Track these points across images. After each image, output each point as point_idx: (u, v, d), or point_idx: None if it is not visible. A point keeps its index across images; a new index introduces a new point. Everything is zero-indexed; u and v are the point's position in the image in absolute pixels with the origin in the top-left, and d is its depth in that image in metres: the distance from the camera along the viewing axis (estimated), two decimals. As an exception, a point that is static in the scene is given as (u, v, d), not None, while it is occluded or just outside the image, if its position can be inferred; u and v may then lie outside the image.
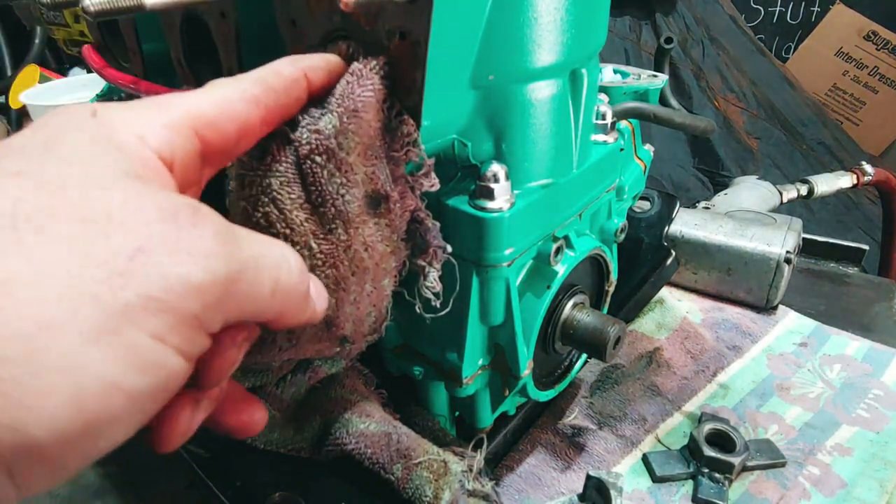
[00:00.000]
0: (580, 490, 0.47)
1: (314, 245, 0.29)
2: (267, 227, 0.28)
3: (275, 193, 0.28)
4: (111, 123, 0.22)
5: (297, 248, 0.29)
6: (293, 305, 0.25)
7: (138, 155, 0.21)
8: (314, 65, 0.28)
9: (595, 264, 0.49)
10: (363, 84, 0.28)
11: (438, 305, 0.35)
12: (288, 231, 0.28)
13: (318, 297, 0.27)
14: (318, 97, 0.28)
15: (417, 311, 0.35)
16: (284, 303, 0.24)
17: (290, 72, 0.27)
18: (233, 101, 0.25)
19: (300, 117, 0.28)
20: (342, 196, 0.28)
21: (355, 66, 0.29)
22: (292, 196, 0.28)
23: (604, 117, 0.45)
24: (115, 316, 0.18)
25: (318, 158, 0.28)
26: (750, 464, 0.52)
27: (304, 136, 0.28)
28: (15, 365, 0.16)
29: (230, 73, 0.32)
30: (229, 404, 0.27)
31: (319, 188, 0.28)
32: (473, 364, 0.43)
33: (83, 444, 0.18)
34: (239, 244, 0.21)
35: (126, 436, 0.19)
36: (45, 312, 0.17)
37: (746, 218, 0.77)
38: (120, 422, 0.19)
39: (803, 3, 2.41)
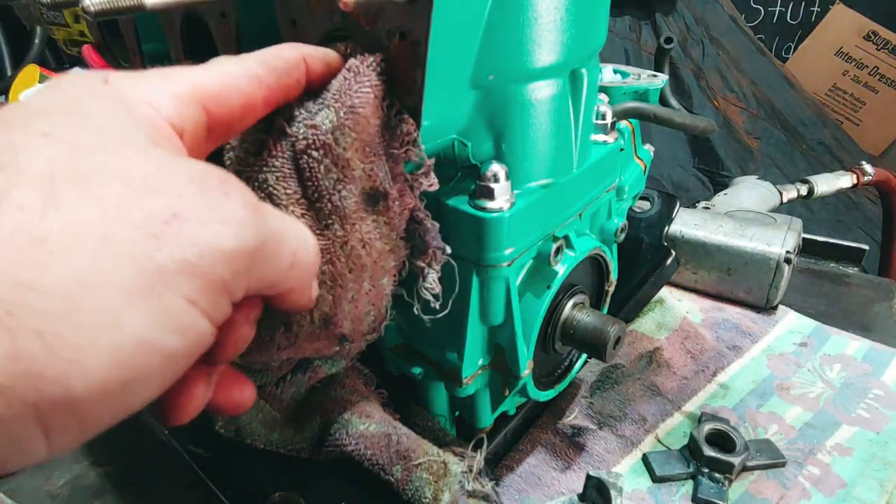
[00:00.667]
0: (580, 490, 0.47)
1: None
2: None
3: (271, 188, 0.28)
4: (123, 92, 0.22)
5: None
6: (304, 283, 0.25)
7: (154, 122, 0.22)
8: (313, 53, 0.28)
9: (595, 264, 0.49)
10: (360, 80, 0.28)
11: (437, 307, 0.35)
12: None
13: (314, 285, 0.28)
14: (314, 90, 0.29)
15: (416, 312, 0.35)
16: (298, 278, 0.24)
17: (291, 55, 0.27)
18: (237, 76, 0.25)
19: (297, 112, 0.28)
20: (338, 192, 0.28)
21: (352, 62, 0.29)
22: (288, 191, 0.28)
23: (604, 117, 0.45)
24: (152, 277, 0.18)
25: (314, 154, 0.28)
26: (750, 464, 0.52)
27: (301, 131, 0.28)
28: (57, 319, 0.16)
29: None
30: (220, 382, 0.27)
31: (315, 183, 0.28)
32: (473, 364, 0.43)
33: (117, 401, 0.18)
34: (265, 215, 0.22)
35: (153, 396, 0.20)
36: (85, 270, 0.17)
37: (746, 218, 0.77)
38: (153, 380, 0.19)
39: (803, 3, 2.41)
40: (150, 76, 0.23)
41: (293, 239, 0.24)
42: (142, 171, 0.19)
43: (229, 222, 0.20)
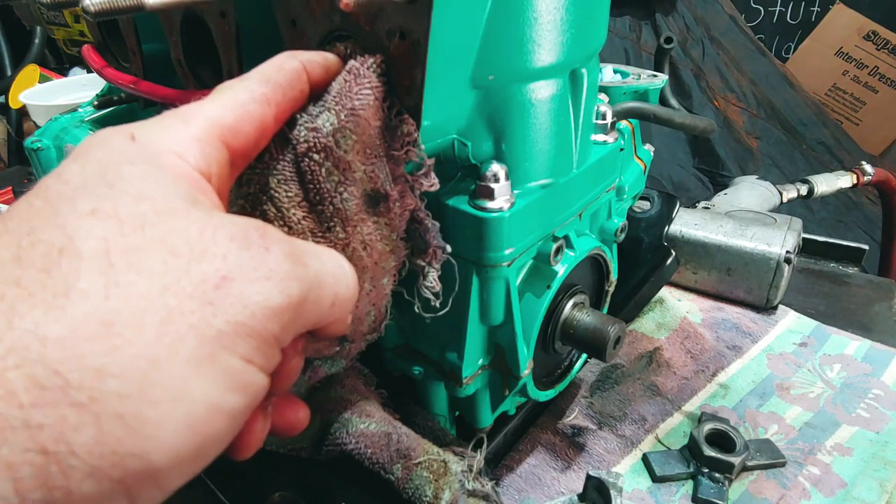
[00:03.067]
0: (580, 490, 0.47)
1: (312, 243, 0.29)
2: None
3: (272, 191, 0.28)
4: (150, 147, 0.22)
5: None
6: (344, 315, 0.26)
7: (185, 175, 0.22)
8: (311, 59, 0.28)
9: (595, 264, 0.49)
10: (360, 82, 0.28)
11: (438, 305, 0.35)
12: (286, 229, 0.28)
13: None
14: (315, 94, 0.29)
15: (417, 310, 0.35)
16: (340, 313, 0.25)
17: (291, 65, 0.27)
18: (246, 103, 0.25)
19: (297, 115, 0.28)
20: (340, 194, 0.28)
21: (352, 63, 0.29)
22: (289, 194, 0.28)
23: (604, 117, 0.45)
24: (211, 343, 0.19)
25: (315, 156, 0.28)
26: (750, 464, 0.52)
27: (302, 134, 0.28)
28: (133, 400, 0.17)
29: (230, 73, 0.32)
30: (275, 408, 0.28)
31: (317, 186, 0.28)
32: (473, 364, 0.43)
33: (193, 464, 0.19)
34: (305, 262, 0.23)
35: (221, 450, 0.21)
36: (152, 348, 0.18)
37: (746, 218, 0.77)
38: (222, 439, 0.20)
39: (803, 3, 2.41)
40: (169, 122, 0.24)
41: (333, 278, 0.24)
42: (186, 238, 0.20)
43: (274, 277, 0.21)
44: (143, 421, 0.17)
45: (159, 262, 0.19)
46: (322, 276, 0.23)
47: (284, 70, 0.27)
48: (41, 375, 0.16)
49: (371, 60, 0.29)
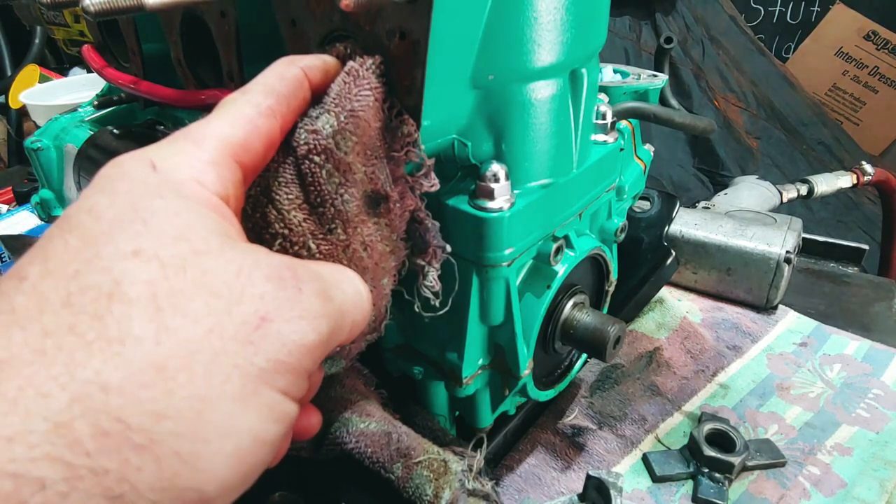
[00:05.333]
0: (580, 490, 0.47)
1: (312, 245, 0.29)
2: (265, 227, 0.28)
3: (273, 194, 0.28)
4: (173, 175, 0.23)
5: (296, 248, 0.29)
6: (359, 332, 0.27)
7: (209, 203, 0.23)
8: (311, 64, 0.28)
9: (595, 264, 0.49)
10: (360, 84, 0.28)
11: (438, 305, 0.35)
12: (286, 231, 0.28)
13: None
14: (315, 97, 0.28)
15: (416, 310, 0.35)
16: (355, 335, 0.27)
17: (292, 73, 0.27)
18: (254, 119, 0.25)
19: (297, 118, 0.28)
20: (341, 196, 0.28)
21: (351, 65, 0.29)
22: (290, 196, 0.28)
23: (604, 117, 0.45)
24: (254, 380, 0.20)
25: (316, 158, 0.27)
26: (750, 464, 0.52)
27: (302, 136, 0.28)
28: (188, 438, 0.19)
29: (230, 73, 0.32)
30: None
31: (318, 188, 0.28)
32: (473, 364, 0.43)
33: (238, 490, 0.21)
34: (332, 295, 0.24)
35: (260, 474, 0.22)
36: (202, 389, 0.19)
37: (746, 218, 0.77)
38: (264, 466, 0.21)
39: (803, 3, 2.41)
40: (181, 146, 0.24)
41: (353, 306, 0.26)
42: (225, 279, 0.21)
43: (307, 316, 0.22)
44: (198, 457, 0.19)
45: (202, 305, 0.20)
46: (344, 306, 0.25)
47: (286, 79, 0.27)
48: (104, 422, 0.17)
49: (370, 62, 0.29)
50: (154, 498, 0.18)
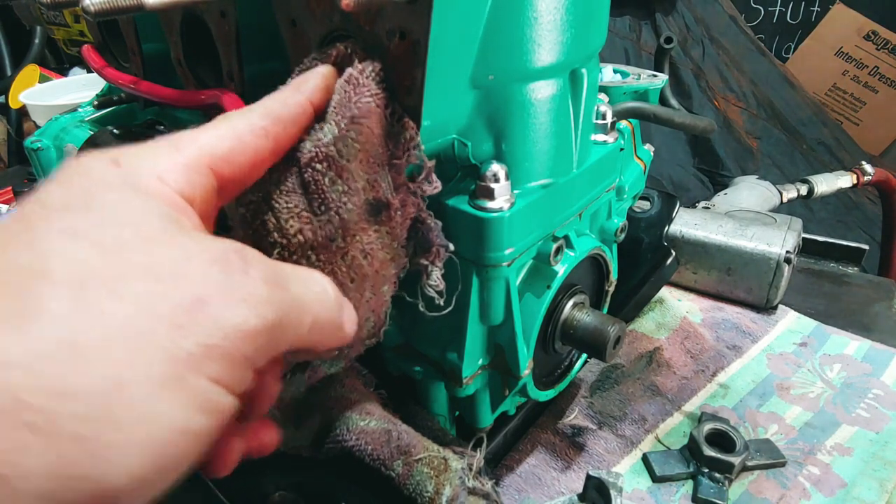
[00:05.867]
0: (580, 490, 0.47)
1: (311, 254, 0.29)
2: (265, 235, 0.28)
3: (273, 202, 0.28)
4: (133, 171, 0.22)
5: (295, 256, 0.29)
6: (326, 336, 0.26)
7: (166, 197, 0.22)
8: (314, 87, 0.28)
9: (595, 264, 0.49)
10: (360, 91, 0.28)
11: (441, 303, 0.35)
12: (284, 241, 0.28)
13: (349, 322, 0.28)
14: (318, 114, 0.29)
15: (421, 309, 0.35)
16: (319, 335, 0.25)
17: (296, 100, 0.27)
18: (244, 134, 0.25)
19: (296, 141, 0.28)
20: (344, 204, 0.28)
21: (350, 72, 0.28)
22: (290, 205, 0.28)
23: (604, 117, 0.45)
24: (179, 365, 0.19)
25: (318, 166, 0.28)
26: (750, 464, 0.52)
27: (305, 145, 0.28)
28: (94, 422, 0.17)
29: (230, 74, 0.32)
30: (252, 427, 0.28)
31: (322, 196, 0.28)
32: (473, 364, 0.43)
33: (156, 486, 0.19)
34: (285, 285, 0.23)
35: (188, 472, 0.20)
36: (118, 370, 0.18)
37: (746, 218, 0.77)
38: (187, 461, 0.20)
39: (803, 3, 2.41)
40: (160, 148, 0.24)
41: (313, 302, 0.25)
42: (165, 261, 0.20)
43: (250, 300, 0.21)
44: (104, 444, 0.17)
45: (139, 287, 0.19)
46: (303, 299, 0.24)
47: (288, 105, 0.27)
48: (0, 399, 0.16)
49: (370, 69, 0.29)
50: (45, 486, 0.16)
